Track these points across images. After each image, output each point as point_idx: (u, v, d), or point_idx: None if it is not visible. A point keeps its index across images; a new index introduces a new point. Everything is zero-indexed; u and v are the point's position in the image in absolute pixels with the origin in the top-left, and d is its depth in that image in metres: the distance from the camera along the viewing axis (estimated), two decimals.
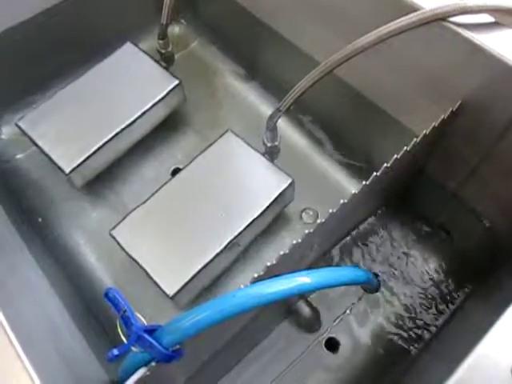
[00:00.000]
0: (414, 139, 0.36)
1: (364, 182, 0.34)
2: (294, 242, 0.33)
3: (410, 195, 0.51)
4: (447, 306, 0.48)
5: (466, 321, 0.41)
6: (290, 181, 0.50)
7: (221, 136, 0.53)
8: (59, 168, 0.51)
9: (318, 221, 0.34)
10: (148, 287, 0.50)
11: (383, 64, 0.42)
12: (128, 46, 0.59)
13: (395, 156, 0.35)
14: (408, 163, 0.40)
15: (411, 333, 0.48)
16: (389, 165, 0.35)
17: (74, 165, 0.52)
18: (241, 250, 0.51)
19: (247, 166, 0.52)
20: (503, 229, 0.44)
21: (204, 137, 0.61)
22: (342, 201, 0.33)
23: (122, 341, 0.40)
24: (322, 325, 0.50)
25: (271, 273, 0.33)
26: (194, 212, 0.49)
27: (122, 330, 0.28)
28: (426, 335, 0.48)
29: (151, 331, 0.29)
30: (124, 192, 0.58)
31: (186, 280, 0.46)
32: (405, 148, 0.36)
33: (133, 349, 0.27)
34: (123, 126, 0.54)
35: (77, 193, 0.57)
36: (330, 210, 0.33)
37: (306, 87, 0.44)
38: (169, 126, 0.60)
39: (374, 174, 0.34)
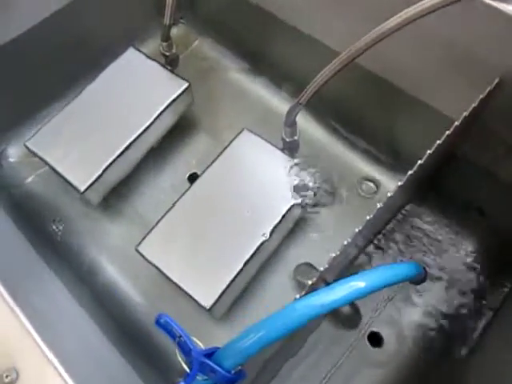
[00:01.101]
0: (455, 123, 0.34)
1: (409, 172, 0.32)
2: (345, 242, 0.31)
3: (439, 177, 0.50)
4: (490, 291, 0.47)
5: None
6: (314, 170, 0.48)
7: (237, 136, 0.52)
8: (73, 187, 0.49)
9: None
10: (179, 300, 0.49)
11: (409, 46, 0.40)
12: (131, 52, 0.56)
13: (437, 142, 0.33)
14: (445, 148, 0.39)
15: (454, 320, 0.47)
16: (431, 151, 0.33)
17: (89, 182, 0.50)
18: (271, 251, 0.50)
19: (268, 163, 0.50)
20: None
21: (216, 138, 0.58)
22: (388, 194, 0.32)
23: (166, 365, 0.39)
24: (362, 319, 0.49)
25: (322, 277, 0.31)
26: (218, 218, 0.47)
27: (180, 357, 0.26)
28: (471, 322, 0.46)
29: (210, 355, 0.27)
30: (142, 204, 0.56)
31: (221, 291, 0.44)
32: (446, 133, 0.34)
33: (197, 378, 0.26)
34: (135, 135, 0.52)
35: (94, 210, 0.54)
36: (378, 205, 0.32)
37: (327, 77, 0.42)
38: (179, 130, 0.58)
39: (419, 162, 0.33)
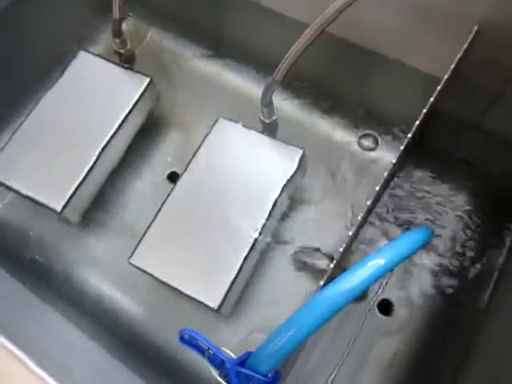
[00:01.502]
0: (444, 77, 0.33)
1: (409, 135, 0.31)
2: (359, 218, 0.29)
3: (424, 135, 0.49)
4: (492, 240, 0.47)
5: None
6: (301, 152, 0.46)
7: (213, 125, 0.49)
8: (49, 208, 0.46)
9: None
10: (182, 305, 0.47)
11: (380, 7, 0.39)
12: (82, 55, 0.52)
13: (430, 99, 0.32)
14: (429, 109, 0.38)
15: (461, 276, 0.47)
16: (426, 110, 0.32)
17: (64, 200, 0.46)
18: (268, 239, 0.48)
19: (251, 149, 0.48)
20: None
21: (189, 132, 0.56)
22: (393, 160, 0.30)
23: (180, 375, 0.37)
24: (370, 289, 0.48)
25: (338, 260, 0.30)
26: (209, 215, 0.45)
27: (215, 371, 0.24)
28: (480, 276, 0.46)
29: (243, 362, 0.25)
30: (124, 212, 0.52)
31: (226, 289, 0.42)
32: (437, 88, 0.33)
33: None
34: (104, 143, 0.48)
35: (75, 229, 0.51)
36: (385, 174, 0.30)
37: (300, 51, 0.40)
38: (149, 129, 0.55)
39: (416, 123, 0.32)
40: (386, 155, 0.51)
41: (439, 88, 0.33)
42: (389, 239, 0.49)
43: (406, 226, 0.49)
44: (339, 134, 0.53)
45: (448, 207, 0.49)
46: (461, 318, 0.45)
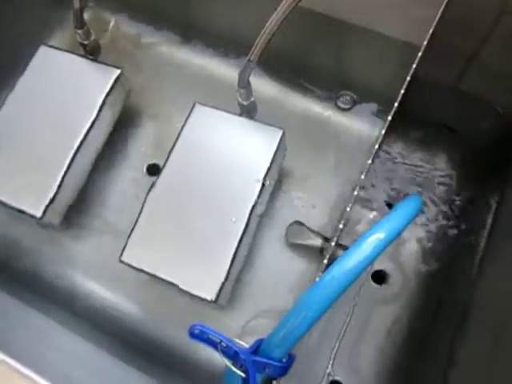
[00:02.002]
0: (424, 43, 0.33)
1: (395, 104, 0.31)
2: (355, 193, 0.29)
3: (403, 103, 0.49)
4: (479, 201, 0.48)
5: None
6: (281, 131, 0.46)
7: (190, 112, 0.48)
8: (28, 215, 0.44)
9: None
10: (177, 299, 0.47)
11: None
12: (43, 50, 0.50)
13: (413, 66, 0.32)
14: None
15: (451, 239, 0.48)
16: (409, 77, 0.32)
17: (44, 205, 0.44)
18: (258, 222, 0.48)
19: (231, 133, 0.47)
20: None
21: (165, 121, 0.54)
22: (382, 131, 0.30)
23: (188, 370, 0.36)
24: None
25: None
26: (196, 204, 0.44)
27: (230, 363, 0.24)
28: (470, 240, 0.47)
29: (256, 350, 0.25)
30: (106, 211, 0.51)
31: (222, 279, 0.42)
32: (418, 55, 0.32)
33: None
34: (79, 141, 0.46)
35: (57, 233, 0.49)
36: (376, 146, 0.30)
37: (275, 28, 0.39)
38: (123, 123, 0.53)
39: (402, 91, 0.31)
40: (366, 127, 0.51)
41: (420, 54, 0.33)
42: (373, 210, 0.50)
43: (389, 195, 0.50)
44: (317, 109, 0.52)
45: (430, 174, 0.50)
46: (454, 280, 0.46)
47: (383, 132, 0.30)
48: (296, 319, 0.25)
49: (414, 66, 0.32)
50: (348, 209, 0.28)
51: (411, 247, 0.48)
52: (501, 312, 0.35)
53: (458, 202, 0.49)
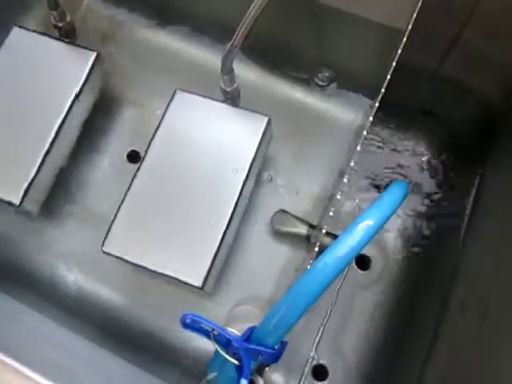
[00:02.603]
0: (408, 27, 0.33)
1: (382, 90, 0.31)
2: (345, 180, 0.29)
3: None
4: (461, 182, 0.48)
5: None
6: (267, 118, 0.45)
7: (172, 99, 0.47)
8: (6, 202, 0.42)
9: None
10: (163, 287, 0.46)
11: None
12: (16, 32, 0.47)
13: (398, 51, 0.32)
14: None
15: (434, 221, 0.49)
16: (395, 63, 0.32)
17: (22, 192, 0.43)
18: (244, 208, 0.47)
19: (215, 120, 0.46)
20: (497, 101, 0.43)
21: (144, 107, 0.53)
22: (370, 118, 0.30)
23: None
24: None
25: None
26: (180, 191, 0.44)
27: (222, 351, 0.24)
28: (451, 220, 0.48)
29: (249, 338, 0.25)
30: (86, 198, 0.50)
31: (208, 265, 0.41)
32: (403, 40, 0.33)
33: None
34: (56, 126, 0.45)
35: (36, 221, 0.48)
36: (364, 132, 0.30)
37: (259, 11, 0.38)
38: (102, 108, 0.51)
39: (388, 77, 0.31)
40: (349, 112, 0.51)
41: (405, 40, 0.33)
42: (355, 196, 0.50)
43: (371, 181, 0.50)
44: (300, 95, 0.52)
45: (411, 159, 0.50)
46: (436, 263, 0.47)
47: (371, 119, 0.30)
48: (289, 306, 0.25)
49: (399, 51, 0.32)
50: (338, 196, 0.28)
51: (393, 233, 0.49)
52: (484, 286, 0.36)
53: (438, 186, 0.50)
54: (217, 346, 0.24)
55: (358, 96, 0.51)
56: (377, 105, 0.31)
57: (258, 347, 0.24)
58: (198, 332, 0.24)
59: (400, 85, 0.49)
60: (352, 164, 0.29)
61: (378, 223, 0.27)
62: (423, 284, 0.47)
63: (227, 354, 0.24)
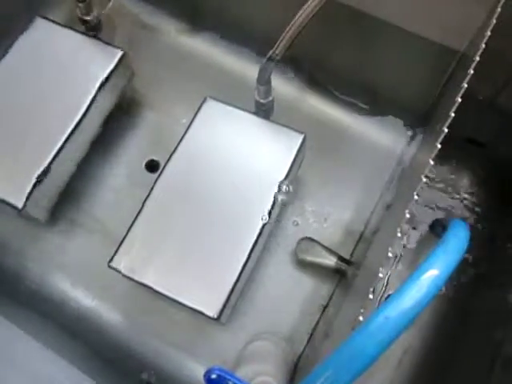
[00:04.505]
0: (476, 57, 0.29)
1: (444, 130, 0.27)
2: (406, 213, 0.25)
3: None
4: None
5: None
6: (302, 136, 0.41)
7: (200, 107, 0.43)
8: (10, 205, 0.38)
9: None
10: (169, 310, 0.42)
11: None
12: (39, 23, 0.44)
13: (464, 85, 0.28)
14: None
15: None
16: (459, 97, 0.28)
17: (25, 195, 0.39)
18: (268, 234, 0.43)
19: (245, 134, 0.42)
20: None
21: (168, 114, 0.49)
22: (431, 162, 0.26)
23: None
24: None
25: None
26: (201, 209, 0.39)
27: None
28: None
29: None
30: (98, 208, 0.46)
31: (226, 294, 0.37)
32: (470, 72, 0.29)
33: None
34: (71, 127, 0.41)
35: (42, 228, 0.44)
36: (423, 179, 0.26)
37: (307, 19, 0.35)
38: (122, 111, 0.48)
39: (452, 115, 0.27)
40: (390, 137, 0.47)
41: (471, 72, 0.29)
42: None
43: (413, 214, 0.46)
44: (337, 113, 0.48)
45: (454, 190, 0.46)
46: (475, 307, 0.42)
47: (431, 162, 0.26)
48: (337, 370, 0.20)
49: (465, 85, 0.28)
50: (399, 234, 0.24)
51: None
52: None
53: (479, 225, 0.46)
54: None
55: (399, 121, 0.47)
56: (439, 146, 0.27)
57: None
58: None
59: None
60: (407, 214, 0.24)
61: (446, 270, 0.23)
62: (459, 329, 0.42)
63: None
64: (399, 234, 0.24)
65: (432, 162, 0.26)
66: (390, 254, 0.23)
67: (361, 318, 0.22)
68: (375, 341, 0.20)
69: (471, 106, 0.43)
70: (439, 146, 0.27)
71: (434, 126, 0.35)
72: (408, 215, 0.24)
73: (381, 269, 0.23)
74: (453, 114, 0.28)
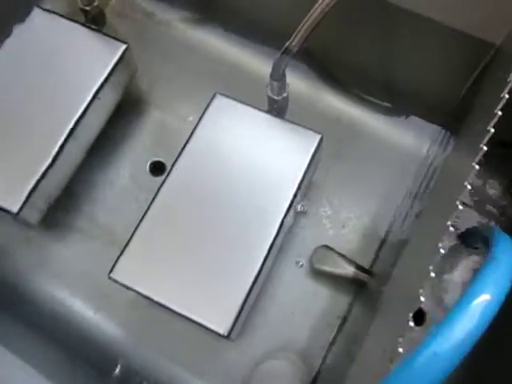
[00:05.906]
0: None
1: (483, 147, 0.24)
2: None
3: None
4: None
5: None
6: (319, 137, 0.38)
7: (209, 104, 0.40)
8: (3, 210, 0.36)
9: None
10: (172, 322, 0.39)
11: None
12: (37, 13, 0.41)
13: (505, 96, 0.25)
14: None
15: None
16: (499, 110, 0.25)
17: (22, 200, 0.36)
18: (280, 244, 0.40)
19: (258, 133, 0.39)
20: None
21: (174, 112, 0.46)
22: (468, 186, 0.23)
23: None
24: None
25: None
26: (211, 217, 0.36)
27: None
28: None
29: None
30: (97, 212, 0.43)
31: (237, 310, 0.34)
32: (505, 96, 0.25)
33: None
34: (71, 125, 0.38)
35: (36, 233, 0.41)
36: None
37: (330, 5, 0.32)
38: (126, 108, 0.45)
39: (492, 130, 0.24)
40: (412, 140, 0.44)
41: None
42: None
43: None
44: (356, 113, 0.45)
45: (483, 194, 0.43)
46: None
47: (476, 166, 0.23)
48: None
49: (507, 95, 0.25)
50: (442, 250, 0.21)
51: (455, 281, 0.41)
52: None
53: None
54: None
55: (424, 120, 0.44)
56: (485, 148, 0.24)
57: None
58: None
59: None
60: (451, 227, 0.21)
61: (500, 294, 0.20)
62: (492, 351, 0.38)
63: None
64: (442, 251, 0.21)
65: (477, 167, 0.23)
66: (432, 274, 0.20)
67: (401, 350, 0.19)
68: (423, 381, 0.17)
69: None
70: (485, 148, 0.23)
71: (472, 126, 0.31)
72: (452, 228, 0.21)
73: (421, 291, 0.20)
74: (500, 113, 0.24)
